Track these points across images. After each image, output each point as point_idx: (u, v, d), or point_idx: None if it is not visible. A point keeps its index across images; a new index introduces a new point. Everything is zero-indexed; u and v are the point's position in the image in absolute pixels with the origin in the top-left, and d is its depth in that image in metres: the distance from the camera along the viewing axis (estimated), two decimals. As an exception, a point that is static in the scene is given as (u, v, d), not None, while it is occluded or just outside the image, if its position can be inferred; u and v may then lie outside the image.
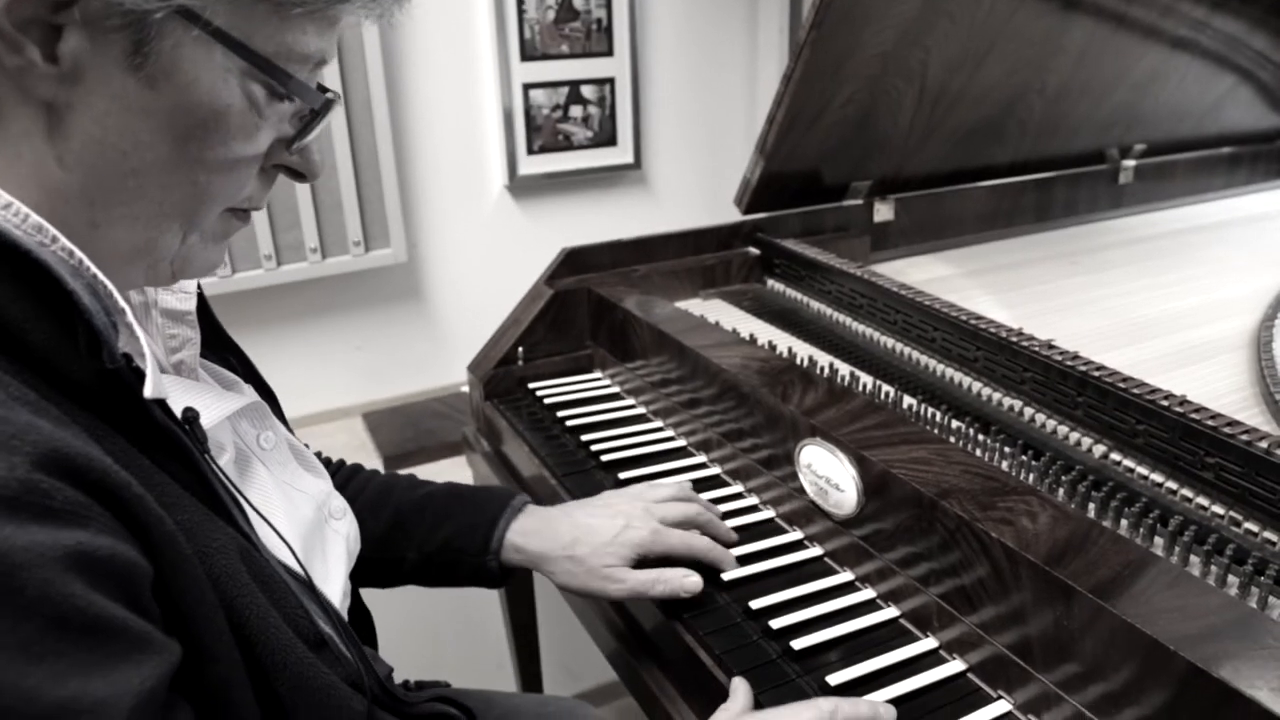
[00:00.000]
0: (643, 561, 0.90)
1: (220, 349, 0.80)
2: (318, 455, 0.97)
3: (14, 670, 0.42)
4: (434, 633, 2.01)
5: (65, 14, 0.50)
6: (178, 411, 0.62)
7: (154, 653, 0.49)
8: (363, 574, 0.94)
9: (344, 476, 1.00)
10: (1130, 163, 1.94)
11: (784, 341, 1.24)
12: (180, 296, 0.74)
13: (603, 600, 1.00)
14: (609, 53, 1.88)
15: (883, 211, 1.65)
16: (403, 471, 1.09)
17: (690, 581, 0.88)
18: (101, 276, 0.55)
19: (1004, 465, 0.92)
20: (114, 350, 0.54)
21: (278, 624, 0.61)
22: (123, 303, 0.56)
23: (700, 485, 1.07)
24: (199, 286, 0.77)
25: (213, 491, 0.61)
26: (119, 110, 0.54)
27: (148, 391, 0.56)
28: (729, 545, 0.95)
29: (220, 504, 0.62)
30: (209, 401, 0.69)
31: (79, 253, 0.54)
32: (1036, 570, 0.70)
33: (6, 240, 0.51)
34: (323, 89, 0.63)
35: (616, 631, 0.99)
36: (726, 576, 0.91)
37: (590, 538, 0.90)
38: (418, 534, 0.95)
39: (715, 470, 1.11)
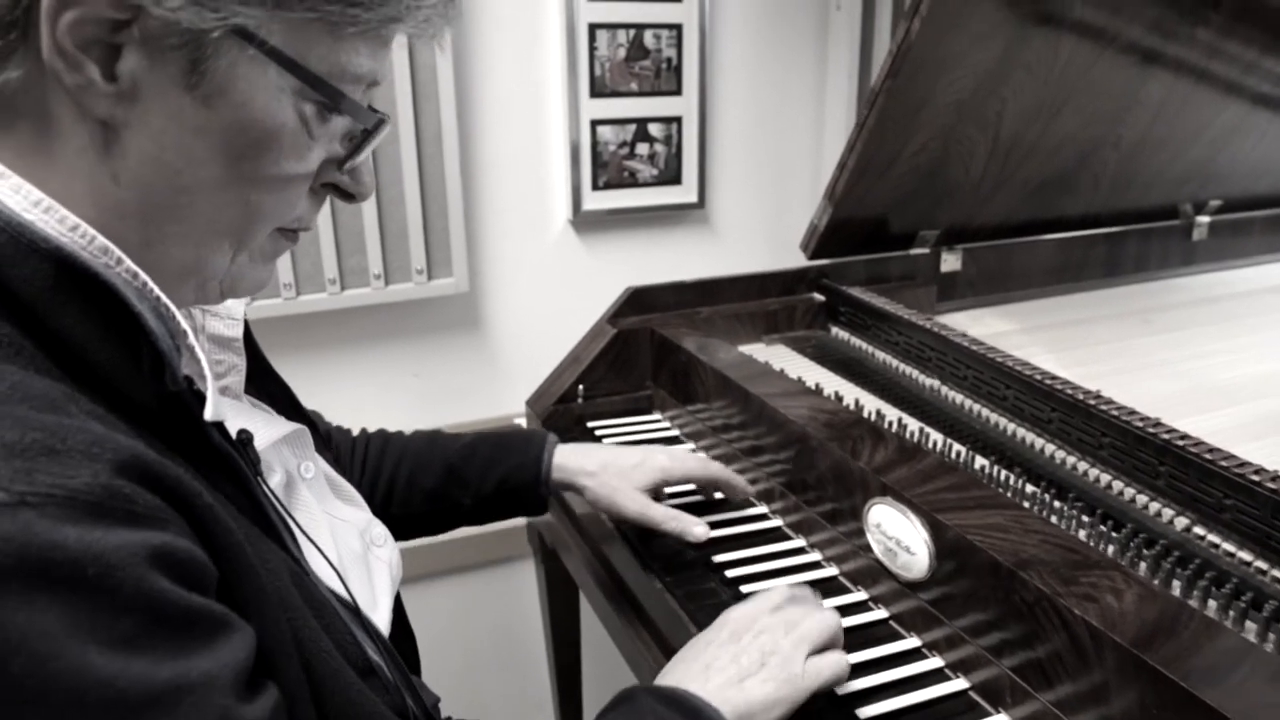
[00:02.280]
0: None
1: (262, 379, 0.81)
2: (344, 429, 1.07)
3: (121, 660, 0.44)
4: (475, 670, 2.00)
5: (125, 33, 0.51)
6: (232, 433, 0.63)
7: (238, 630, 0.51)
8: (417, 526, 1.07)
9: (379, 442, 1.07)
10: (1205, 219, 1.89)
11: (850, 393, 1.22)
12: (228, 323, 0.75)
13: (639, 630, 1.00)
14: (677, 92, 1.88)
15: (950, 262, 1.63)
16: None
17: (699, 530, 1.00)
18: (165, 299, 0.56)
19: (1081, 535, 0.89)
20: (177, 372, 0.54)
21: (328, 648, 0.61)
22: (185, 325, 0.57)
23: (761, 537, 1.05)
24: (244, 314, 0.77)
25: (265, 515, 0.62)
26: (174, 128, 0.54)
27: (208, 414, 0.57)
28: (744, 493, 1.10)
29: (271, 527, 0.62)
30: (257, 425, 0.70)
31: (143, 275, 0.55)
32: (1123, 653, 0.67)
33: (77, 263, 0.52)
34: (372, 109, 0.63)
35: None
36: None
37: (619, 461, 1.05)
38: (473, 480, 1.05)
39: (777, 522, 1.08)
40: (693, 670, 0.77)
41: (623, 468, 1.04)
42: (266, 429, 0.71)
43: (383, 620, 0.76)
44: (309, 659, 0.59)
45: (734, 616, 0.82)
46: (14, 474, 0.43)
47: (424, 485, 1.05)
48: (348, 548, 0.76)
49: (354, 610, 0.69)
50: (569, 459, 1.06)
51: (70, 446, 0.45)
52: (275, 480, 0.70)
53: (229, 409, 0.69)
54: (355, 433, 1.09)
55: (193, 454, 0.57)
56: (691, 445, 1.26)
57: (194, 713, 0.46)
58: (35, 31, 0.50)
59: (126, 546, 0.45)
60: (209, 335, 0.74)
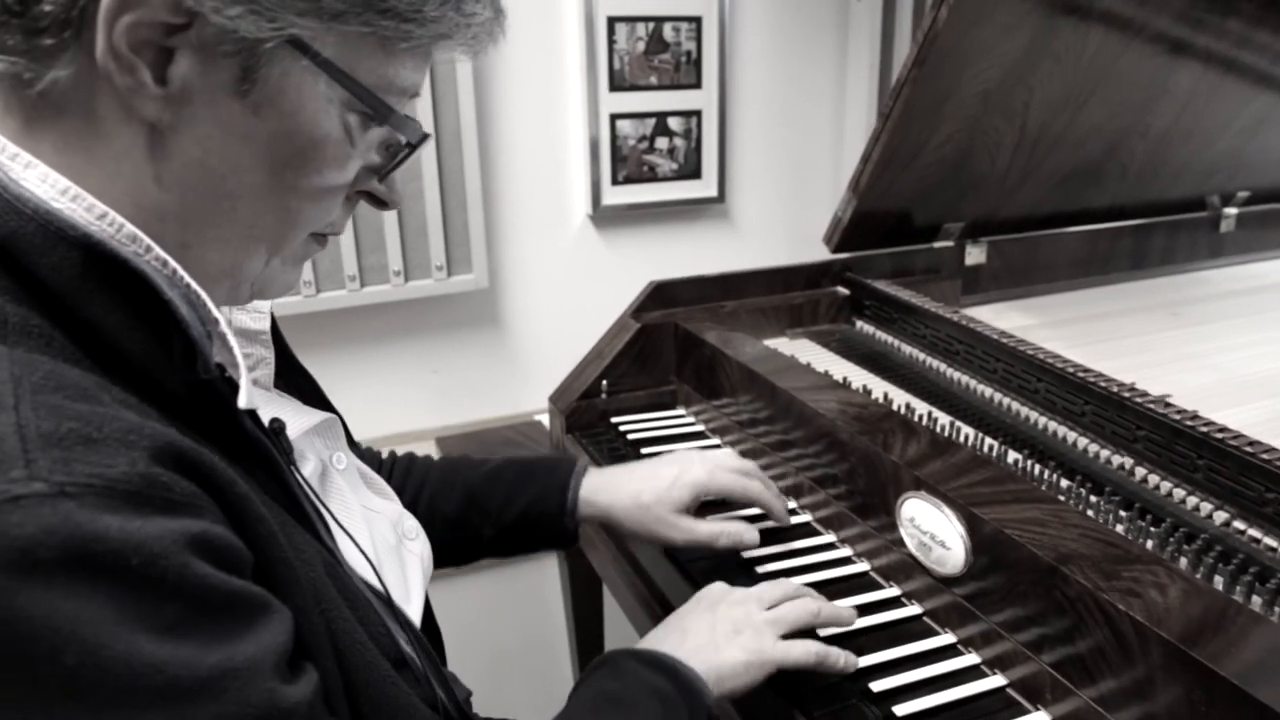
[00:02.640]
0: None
1: (289, 374, 0.81)
2: (374, 451, 1.03)
3: (169, 647, 0.44)
4: (500, 667, 2.00)
5: (179, 38, 0.51)
6: (264, 422, 0.63)
7: (277, 611, 0.51)
8: (437, 556, 0.99)
9: (403, 465, 1.03)
10: (1232, 210, 1.87)
11: (878, 386, 1.21)
12: (254, 316, 0.75)
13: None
14: (697, 85, 1.87)
15: (975, 254, 1.61)
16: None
17: (750, 535, 0.95)
18: (195, 286, 0.56)
19: (1119, 530, 0.87)
20: (209, 360, 0.54)
21: (362, 640, 0.61)
22: (216, 313, 0.57)
23: (789, 532, 1.04)
24: (271, 307, 0.77)
25: (298, 504, 0.62)
26: (221, 134, 0.54)
27: (242, 401, 0.56)
28: (780, 517, 1.02)
29: (305, 517, 0.62)
30: (288, 415, 0.71)
31: (173, 262, 0.55)
32: (1170, 649, 0.66)
33: (105, 249, 0.51)
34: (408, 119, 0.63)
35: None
36: (824, 633, 0.87)
37: (652, 484, 0.97)
38: (494, 508, 0.99)
39: (805, 517, 1.07)
40: (670, 635, 0.81)
41: (658, 492, 0.97)
42: (297, 418, 0.71)
43: (415, 613, 0.76)
44: (342, 650, 0.58)
45: (712, 590, 0.86)
46: (53, 464, 0.43)
47: (444, 511, 0.99)
48: (381, 539, 0.76)
49: (387, 601, 0.68)
50: (598, 493, 0.99)
51: (107, 435, 0.45)
52: (308, 469, 0.70)
53: (260, 399, 0.68)
54: (384, 455, 1.06)
55: (225, 443, 0.56)
56: (718, 440, 1.25)
57: (241, 696, 0.46)
58: (89, 32, 0.50)
59: (167, 535, 0.44)
60: (236, 329, 0.74)
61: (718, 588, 0.86)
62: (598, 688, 0.75)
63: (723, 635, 0.80)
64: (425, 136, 0.62)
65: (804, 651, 0.80)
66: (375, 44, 0.56)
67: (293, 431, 0.69)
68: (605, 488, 0.99)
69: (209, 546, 0.47)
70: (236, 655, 0.47)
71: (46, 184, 0.52)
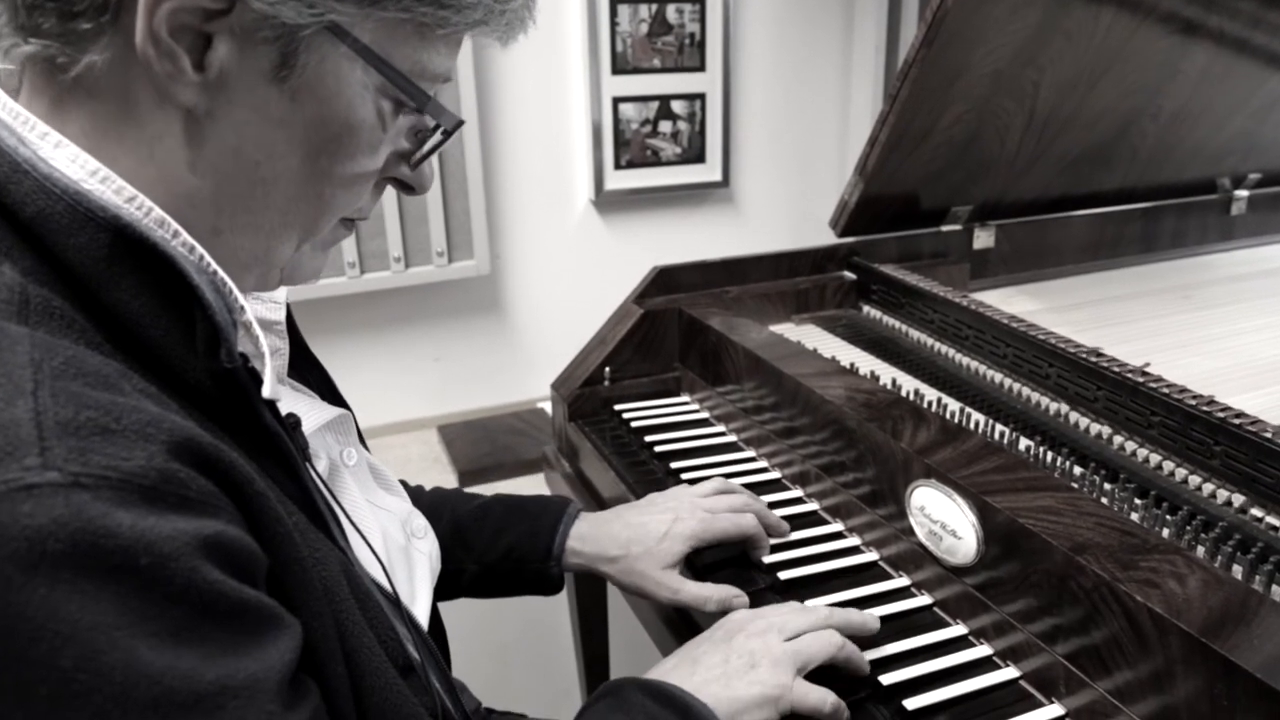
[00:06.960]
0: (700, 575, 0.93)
1: (302, 366, 0.79)
2: None
3: (170, 654, 0.42)
4: (504, 660, 1.99)
5: (219, 23, 0.51)
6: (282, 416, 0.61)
7: (287, 627, 0.49)
8: None
9: None
10: (1243, 193, 1.84)
11: (885, 372, 1.19)
12: (270, 306, 0.73)
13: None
14: (701, 68, 1.85)
15: (983, 238, 1.59)
16: (479, 488, 1.09)
17: (740, 601, 0.88)
18: (223, 274, 0.55)
19: (1134, 518, 0.85)
20: (233, 348, 0.53)
21: (371, 645, 0.59)
22: (243, 301, 0.56)
23: (796, 521, 1.02)
24: (285, 297, 0.75)
25: (312, 502, 0.60)
26: (258, 120, 0.54)
27: (266, 391, 0.56)
28: (781, 534, 0.97)
29: (319, 515, 0.60)
30: (303, 409, 0.69)
31: (200, 249, 0.54)
32: (1190, 641, 0.64)
33: (134, 232, 0.50)
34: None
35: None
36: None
37: (643, 536, 0.92)
38: (479, 545, 0.96)
39: (813, 506, 1.05)
40: (681, 666, 0.76)
41: (648, 545, 0.92)
42: (311, 413, 0.70)
43: (422, 614, 0.74)
44: (350, 654, 0.57)
45: (734, 618, 0.81)
46: (68, 454, 0.41)
47: None
48: (391, 538, 0.74)
49: (395, 603, 0.67)
50: (586, 542, 0.95)
51: (125, 426, 0.43)
52: (320, 466, 0.69)
53: (278, 392, 0.67)
54: None
55: (243, 437, 0.55)
56: (722, 428, 1.23)
57: (237, 717, 0.44)
58: (127, 16, 0.50)
59: (179, 536, 0.43)
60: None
61: (738, 616, 0.81)
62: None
63: (736, 669, 0.75)
64: (460, 123, 0.62)
65: (820, 699, 0.75)
66: (411, 30, 0.56)
67: (307, 427, 0.68)
68: (594, 537, 0.95)
69: (222, 550, 0.45)
70: (238, 673, 0.45)
71: (76, 164, 0.52)
